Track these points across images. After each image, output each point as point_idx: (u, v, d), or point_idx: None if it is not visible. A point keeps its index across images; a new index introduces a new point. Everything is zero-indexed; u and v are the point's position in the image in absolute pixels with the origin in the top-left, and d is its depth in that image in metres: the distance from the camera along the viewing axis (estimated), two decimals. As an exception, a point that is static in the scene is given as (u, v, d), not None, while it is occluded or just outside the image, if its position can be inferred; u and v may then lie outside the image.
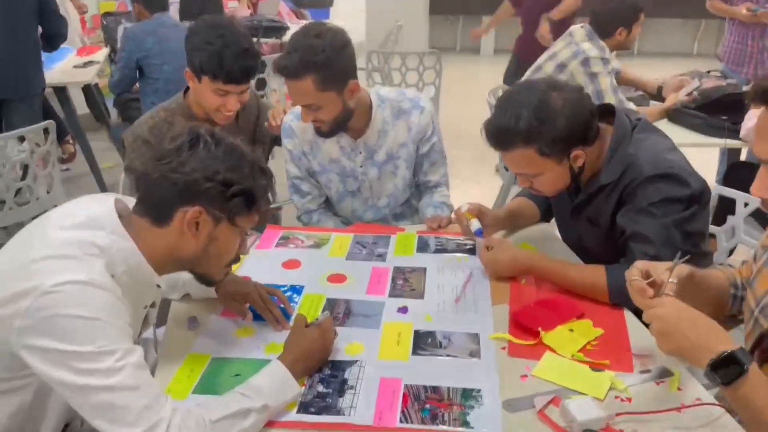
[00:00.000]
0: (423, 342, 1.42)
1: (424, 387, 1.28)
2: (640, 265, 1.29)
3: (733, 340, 1.11)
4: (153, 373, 1.32)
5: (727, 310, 1.42)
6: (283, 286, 1.63)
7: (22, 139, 2.83)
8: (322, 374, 1.32)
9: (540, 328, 1.42)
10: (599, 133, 1.59)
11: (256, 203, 1.25)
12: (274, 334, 1.44)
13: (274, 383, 1.21)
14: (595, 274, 1.56)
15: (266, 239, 1.89)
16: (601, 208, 1.64)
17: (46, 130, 2.90)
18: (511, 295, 1.60)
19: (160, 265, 1.24)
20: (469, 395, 1.26)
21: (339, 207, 2.18)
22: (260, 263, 1.76)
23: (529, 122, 1.47)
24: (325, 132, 1.91)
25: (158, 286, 1.27)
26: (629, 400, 1.25)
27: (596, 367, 1.34)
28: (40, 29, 3.43)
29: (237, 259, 1.34)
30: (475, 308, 1.55)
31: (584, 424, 1.17)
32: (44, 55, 3.60)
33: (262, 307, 1.48)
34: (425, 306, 1.56)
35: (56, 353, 1.04)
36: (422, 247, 1.86)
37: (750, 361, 1.06)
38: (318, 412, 1.22)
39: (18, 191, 2.85)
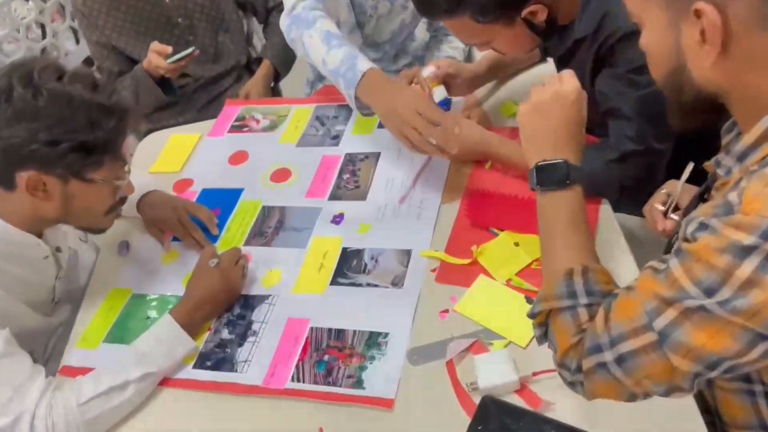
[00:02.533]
0: (347, 265, 1.26)
1: (329, 330, 1.15)
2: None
3: None
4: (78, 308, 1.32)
5: None
6: (222, 190, 1.50)
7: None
8: (231, 314, 1.23)
9: (489, 230, 1.22)
10: None
11: (105, 152, 1.09)
12: (196, 259, 1.34)
13: (160, 344, 1.13)
14: None
15: (221, 122, 1.71)
16: (581, 67, 1.27)
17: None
18: (466, 188, 1.35)
19: (32, 226, 1.15)
20: (374, 342, 1.12)
21: None
22: (207, 157, 1.61)
23: None
24: None
25: (39, 243, 1.19)
26: (559, 346, 1.05)
27: (533, 297, 1.12)
28: None
29: (122, 202, 1.22)
30: (419, 212, 1.33)
31: (486, 390, 1.00)
32: None
33: (181, 233, 1.37)
34: (365, 210, 1.36)
35: None
36: (386, 120, 1.59)
37: (578, 183, 0.92)
38: (213, 367, 1.15)
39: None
